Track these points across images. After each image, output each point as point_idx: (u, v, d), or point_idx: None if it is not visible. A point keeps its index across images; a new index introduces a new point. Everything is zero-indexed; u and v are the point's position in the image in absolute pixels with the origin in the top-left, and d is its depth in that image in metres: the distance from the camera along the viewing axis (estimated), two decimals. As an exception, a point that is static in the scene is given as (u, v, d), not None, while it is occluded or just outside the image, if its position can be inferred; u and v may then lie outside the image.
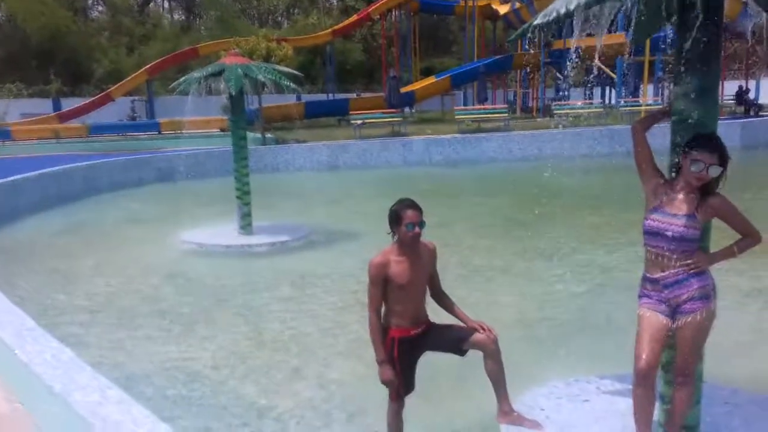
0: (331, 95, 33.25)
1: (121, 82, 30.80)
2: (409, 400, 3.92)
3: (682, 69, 3.21)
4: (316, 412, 4.63)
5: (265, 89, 10.19)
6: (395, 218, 3.65)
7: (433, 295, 3.96)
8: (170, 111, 24.53)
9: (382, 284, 3.67)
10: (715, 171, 3.12)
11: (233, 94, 9.28)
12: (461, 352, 3.86)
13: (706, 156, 3.11)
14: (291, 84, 9.76)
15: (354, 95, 32.42)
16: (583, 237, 9.37)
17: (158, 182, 16.51)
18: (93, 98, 30.54)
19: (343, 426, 4.43)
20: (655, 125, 3.51)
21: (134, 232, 10.96)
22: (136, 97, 32.70)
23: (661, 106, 3.81)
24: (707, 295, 3.21)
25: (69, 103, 31.04)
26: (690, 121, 3.26)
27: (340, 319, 6.39)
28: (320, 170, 18.63)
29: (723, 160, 3.12)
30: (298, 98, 31.04)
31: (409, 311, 3.76)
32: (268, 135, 20.25)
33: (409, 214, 3.62)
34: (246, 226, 9.82)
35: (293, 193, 15.01)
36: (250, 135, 19.77)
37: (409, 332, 3.77)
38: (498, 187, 15.30)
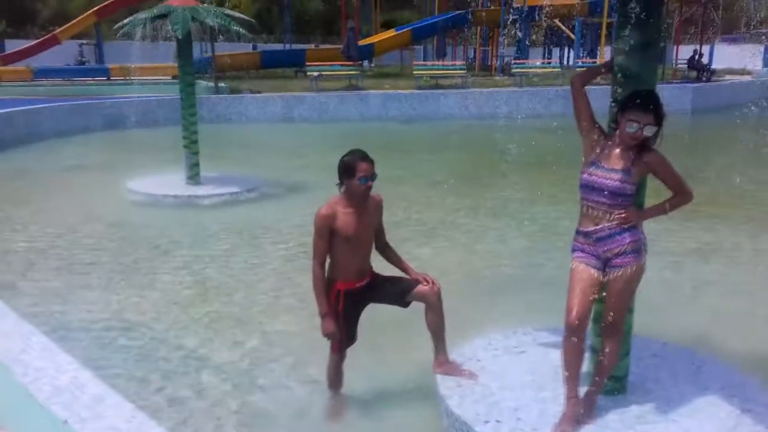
0: (288, 45, 32.48)
1: (67, 24, 29.39)
2: (351, 351, 3.93)
3: (623, 22, 3.19)
4: (257, 363, 4.62)
5: (220, 36, 9.89)
6: (347, 170, 3.56)
7: (378, 248, 3.94)
8: (121, 56, 23.57)
9: (327, 236, 3.62)
10: (650, 131, 3.14)
11: (180, 38, 8.95)
12: (404, 304, 3.87)
13: (641, 116, 3.12)
14: (242, 30, 9.47)
15: (312, 46, 31.77)
16: (531, 195, 9.47)
17: (106, 129, 15.99)
18: (38, 40, 29.15)
19: (284, 377, 4.43)
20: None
21: (78, 180, 10.63)
22: (85, 41, 31.34)
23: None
24: (638, 250, 3.27)
25: (13, 45, 29.59)
26: (629, 76, 3.26)
27: (286, 271, 6.35)
28: (274, 122, 18.28)
29: (658, 118, 3.14)
30: (254, 47, 30.26)
31: (355, 264, 3.74)
32: (222, 84, 19.72)
33: (363, 166, 3.53)
34: (194, 176, 9.60)
35: (245, 144, 14.73)
36: (203, 84, 19.33)
37: (354, 285, 3.75)
38: (452, 144, 15.30)
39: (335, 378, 4.01)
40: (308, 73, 21.08)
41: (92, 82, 22.40)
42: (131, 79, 21.14)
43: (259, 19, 43.89)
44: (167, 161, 10.81)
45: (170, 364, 4.60)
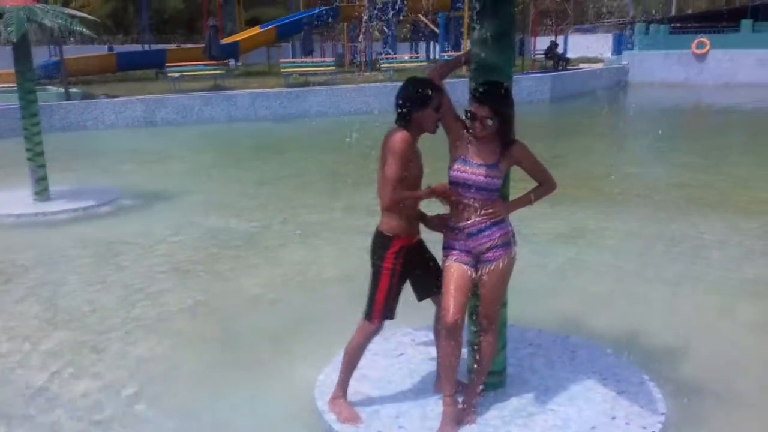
0: (147, 46, 30.83)
1: None
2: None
3: (478, 14, 3.12)
4: (118, 395, 4.17)
5: (71, 39, 9.09)
6: (421, 97, 3.08)
7: None
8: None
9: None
10: (487, 124, 3.06)
11: (15, 41, 8.09)
12: (429, 295, 3.49)
13: (477, 108, 3.05)
14: (86, 30, 8.72)
15: (174, 46, 30.40)
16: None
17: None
18: None
19: (149, 407, 4.03)
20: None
21: None
22: None
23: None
24: (508, 242, 3.22)
25: None
26: (486, 66, 3.19)
27: (149, 289, 5.85)
28: (134, 127, 17.26)
29: (497, 111, 3.06)
30: (110, 49, 28.54)
31: (415, 213, 3.34)
32: (74, 89, 18.33)
33: (437, 96, 3.10)
34: (42, 192, 8.75)
35: (102, 152, 13.74)
36: (52, 90, 17.87)
37: (412, 240, 3.35)
38: (325, 142, 15.09)
39: (359, 354, 3.49)
40: (169, 74, 20.09)
41: None
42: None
43: (115, 19, 41.49)
44: (11, 177, 9.83)
45: (15, 407, 4.06)
